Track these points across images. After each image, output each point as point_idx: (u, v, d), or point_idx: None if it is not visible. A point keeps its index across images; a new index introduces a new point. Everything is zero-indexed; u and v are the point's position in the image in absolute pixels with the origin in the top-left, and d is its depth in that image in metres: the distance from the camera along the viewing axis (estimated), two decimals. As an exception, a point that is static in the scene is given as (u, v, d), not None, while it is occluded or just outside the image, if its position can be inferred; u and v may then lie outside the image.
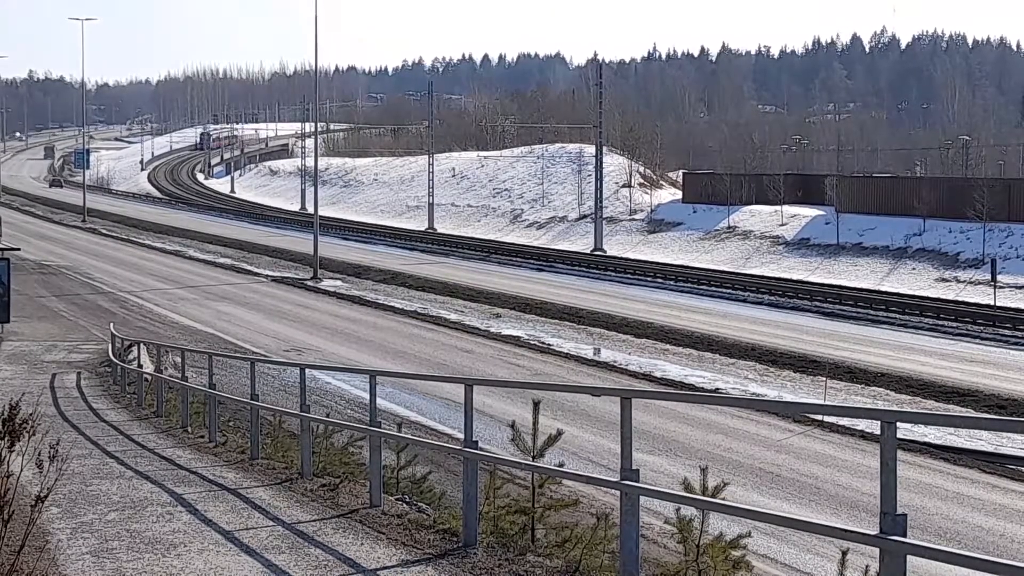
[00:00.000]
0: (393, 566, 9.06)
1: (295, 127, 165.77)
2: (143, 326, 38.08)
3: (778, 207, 73.08)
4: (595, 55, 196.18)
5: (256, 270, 59.73)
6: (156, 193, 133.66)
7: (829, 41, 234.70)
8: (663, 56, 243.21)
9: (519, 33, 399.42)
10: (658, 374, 31.43)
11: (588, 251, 72.76)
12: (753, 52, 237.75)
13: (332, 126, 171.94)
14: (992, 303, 45.78)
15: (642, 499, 8.05)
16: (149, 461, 14.93)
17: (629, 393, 8.62)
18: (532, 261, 65.60)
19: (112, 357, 26.93)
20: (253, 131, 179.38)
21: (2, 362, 28.56)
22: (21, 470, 7.91)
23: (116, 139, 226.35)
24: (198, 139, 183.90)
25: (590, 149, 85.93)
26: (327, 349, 34.51)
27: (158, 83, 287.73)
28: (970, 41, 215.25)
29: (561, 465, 10.36)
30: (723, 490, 8.56)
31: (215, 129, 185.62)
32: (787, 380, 30.94)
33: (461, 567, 8.94)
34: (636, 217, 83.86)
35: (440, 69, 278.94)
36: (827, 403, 25.80)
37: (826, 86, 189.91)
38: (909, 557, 5.99)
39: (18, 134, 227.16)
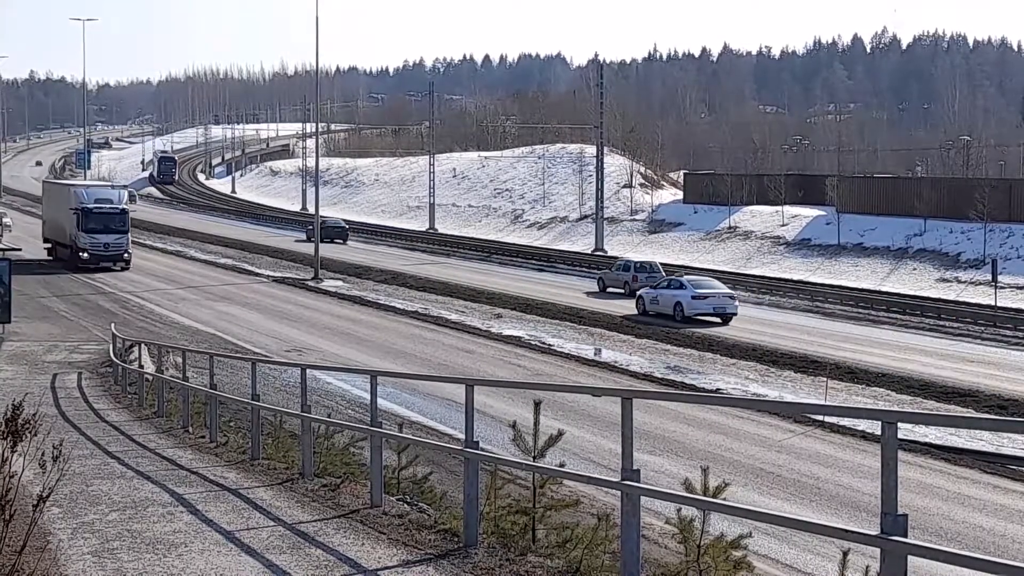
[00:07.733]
0: (394, 566, 9.06)
1: (296, 127, 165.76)
2: (144, 326, 38.06)
3: (779, 207, 73.09)
4: (596, 55, 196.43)
5: (257, 270, 59.69)
6: (157, 193, 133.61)
7: (830, 41, 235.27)
8: (664, 56, 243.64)
9: (520, 33, 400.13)
10: (659, 375, 31.42)
11: (589, 251, 72.78)
12: (754, 52, 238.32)
13: (333, 126, 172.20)
14: (993, 303, 45.80)
15: (643, 499, 8.06)
16: (150, 461, 14.95)
17: (630, 393, 8.63)
18: (533, 261, 65.62)
19: (113, 357, 26.92)
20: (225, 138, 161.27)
21: (3, 362, 28.55)
22: (23, 470, 7.92)
23: (117, 139, 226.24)
24: (156, 165, 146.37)
25: (591, 149, 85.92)
26: (328, 349, 34.49)
27: (159, 83, 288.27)
28: (971, 41, 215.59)
29: (562, 465, 10.36)
30: (724, 490, 8.56)
31: (172, 151, 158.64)
32: (788, 380, 30.92)
33: (462, 567, 8.95)
34: (637, 217, 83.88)
35: (441, 69, 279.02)
36: (828, 403, 25.81)
37: (827, 86, 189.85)
38: (910, 557, 6.00)
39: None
